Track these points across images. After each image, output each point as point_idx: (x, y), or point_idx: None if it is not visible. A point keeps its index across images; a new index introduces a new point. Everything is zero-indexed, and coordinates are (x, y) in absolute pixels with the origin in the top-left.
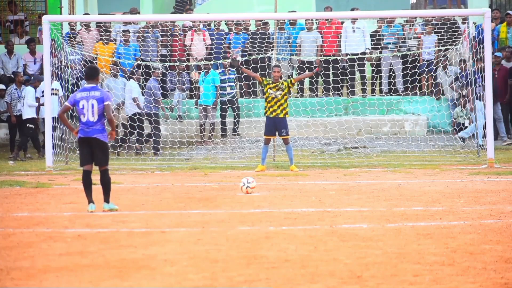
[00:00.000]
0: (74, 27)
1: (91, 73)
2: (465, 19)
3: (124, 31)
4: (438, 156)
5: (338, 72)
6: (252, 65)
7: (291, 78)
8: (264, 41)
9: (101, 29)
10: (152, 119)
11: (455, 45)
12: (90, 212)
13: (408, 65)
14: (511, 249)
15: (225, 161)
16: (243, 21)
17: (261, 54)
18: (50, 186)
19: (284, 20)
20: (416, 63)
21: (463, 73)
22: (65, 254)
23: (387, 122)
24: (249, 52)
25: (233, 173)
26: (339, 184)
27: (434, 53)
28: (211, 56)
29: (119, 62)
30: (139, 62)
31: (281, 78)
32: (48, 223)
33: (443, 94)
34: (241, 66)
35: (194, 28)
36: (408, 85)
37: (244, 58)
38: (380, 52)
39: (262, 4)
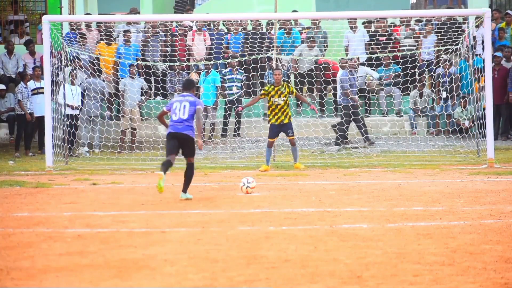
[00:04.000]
0: (74, 27)
1: (188, 84)
2: (465, 19)
3: (125, 31)
4: (438, 156)
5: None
6: (252, 65)
7: (293, 88)
8: (264, 41)
9: (101, 29)
10: (343, 113)
11: (455, 45)
12: (159, 177)
13: (408, 65)
14: (511, 249)
15: (225, 161)
16: (240, 20)
17: (261, 54)
18: (50, 186)
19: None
20: (416, 63)
21: (463, 73)
22: (65, 254)
23: (387, 122)
24: (248, 52)
25: (233, 173)
26: (339, 184)
27: (434, 53)
28: (211, 56)
29: (119, 62)
30: (139, 62)
31: (283, 81)
32: (48, 223)
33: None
34: (241, 111)
35: (195, 28)
36: (408, 85)
37: (243, 58)
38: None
39: (262, 4)
